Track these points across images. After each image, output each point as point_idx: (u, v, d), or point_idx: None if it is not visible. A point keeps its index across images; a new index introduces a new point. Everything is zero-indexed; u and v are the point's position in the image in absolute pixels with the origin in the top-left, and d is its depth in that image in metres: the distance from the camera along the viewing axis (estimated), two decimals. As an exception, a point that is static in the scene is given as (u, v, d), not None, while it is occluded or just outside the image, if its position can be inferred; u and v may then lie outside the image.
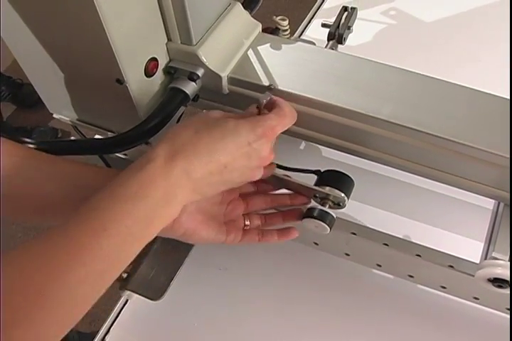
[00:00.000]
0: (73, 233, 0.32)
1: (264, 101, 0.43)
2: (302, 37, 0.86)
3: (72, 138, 0.60)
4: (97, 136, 0.62)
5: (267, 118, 0.41)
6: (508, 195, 0.46)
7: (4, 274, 0.30)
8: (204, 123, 0.40)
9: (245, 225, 0.49)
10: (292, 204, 0.49)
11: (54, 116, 0.54)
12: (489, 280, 0.46)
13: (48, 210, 0.43)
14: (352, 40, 0.64)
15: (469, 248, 0.53)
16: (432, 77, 0.46)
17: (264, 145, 0.40)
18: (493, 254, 0.45)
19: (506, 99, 0.45)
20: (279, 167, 0.48)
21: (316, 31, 0.88)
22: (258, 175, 0.43)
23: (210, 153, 0.38)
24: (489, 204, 0.51)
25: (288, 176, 0.48)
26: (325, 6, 0.93)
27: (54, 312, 0.30)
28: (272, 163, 0.47)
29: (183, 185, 0.37)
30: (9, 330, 0.28)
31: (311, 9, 0.93)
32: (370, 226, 0.54)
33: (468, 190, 0.48)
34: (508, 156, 0.41)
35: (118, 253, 0.33)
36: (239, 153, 0.39)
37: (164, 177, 0.36)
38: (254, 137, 0.39)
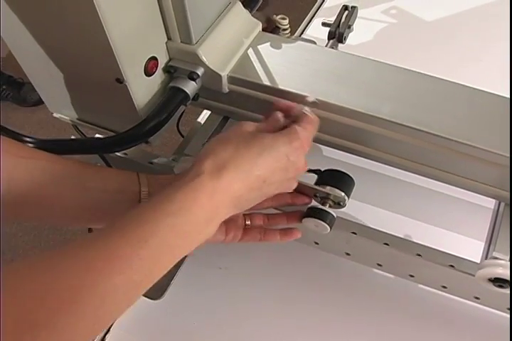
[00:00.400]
0: (112, 241, 0.32)
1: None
2: (303, 36, 0.86)
3: (72, 137, 0.60)
4: (97, 135, 0.62)
5: (301, 130, 0.41)
6: (508, 194, 0.45)
7: (34, 276, 0.29)
8: (242, 138, 0.40)
9: (246, 225, 0.49)
10: (293, 202, 0.49)
11: (54, 115, 0.54)
12: (490, 280, 0.46)
13: (59, 212, 0.43)
14: (352, 38, 0.64)
15: (470, 247, 0.53)
16: (433, 76, 0.46)
17: (300, 157, 0.41)
18: (494, 254, 0.45)
19: (507, 98, 0.44)
20: None
21: (317, 30, 0.88)
22: (294, 185, 0.43)
23: (251, 169, 0.38)
24: (490, 203, 0.51)
25: None
26: (326, 4, 0.93)
27: (83, 318, 0.30)
28: None
29: (225, 203, 0.37)
30: (36, 331, 0.28)
31: (311, 8, 0.93)
32: (371, 226, 0.54)
33: (468, 190, 0.48)
34: (508, 155, 0.41)
35: (155, 264, 0.34)
36: (277, 167, 0.39)
37: (209, 195, 0.36)
38: (291, 150, 0.40)
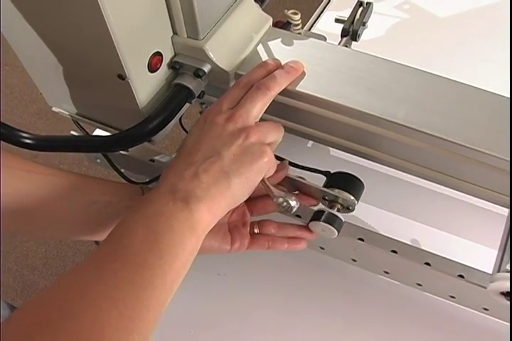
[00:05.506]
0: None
1: None
2: (312, 30, 0.84)
3: (73, 132, 0.58)
4: (97, 131, 0.60)
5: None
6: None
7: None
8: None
9: (254, 232, 0.47)
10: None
11: (53, 109, 0.52)
12: (502, 293, 0.44)
13: (62, 226, 0.43)
14: (364, 33, 0.61)
15: (482, 254, 0.51)
16: (453, 80, 0.43)
17: (217, 117, 0.39)
18: (507, 267, 0.43)
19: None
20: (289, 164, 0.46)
21: (326, 24, 0.85)
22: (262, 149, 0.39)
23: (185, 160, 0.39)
24: (505, 210, 0.49)
25: (301, 177, 0.46)
26: (336, -2, 0.90)
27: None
28: (284, 162, 0.45)
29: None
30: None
31: (321, 1, 0.90)
32: (379, 231, 0.52)
33: (482, 198, 0.46)
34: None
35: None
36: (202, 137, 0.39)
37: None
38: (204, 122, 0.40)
